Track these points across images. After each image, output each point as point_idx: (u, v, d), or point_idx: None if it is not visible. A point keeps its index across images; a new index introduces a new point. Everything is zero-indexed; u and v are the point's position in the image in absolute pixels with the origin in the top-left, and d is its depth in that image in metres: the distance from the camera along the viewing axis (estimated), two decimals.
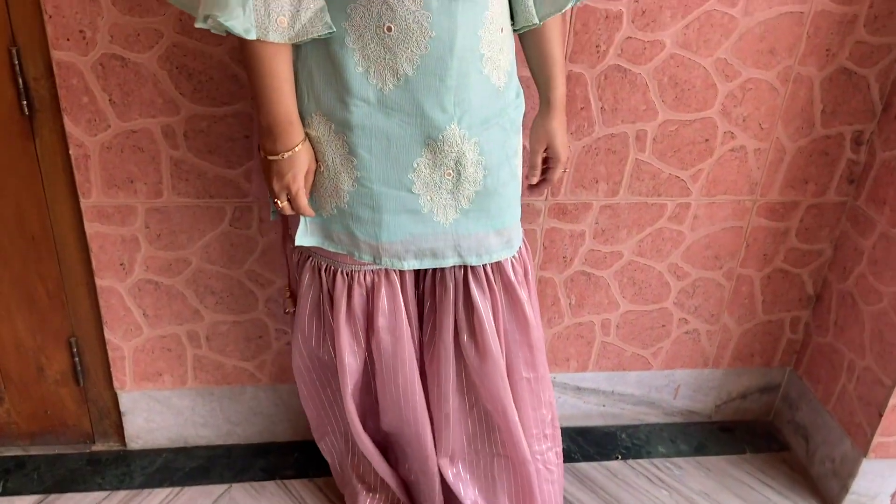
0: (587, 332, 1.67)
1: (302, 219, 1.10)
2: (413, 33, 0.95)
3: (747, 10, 1.33)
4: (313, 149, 1.04)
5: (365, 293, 1.16)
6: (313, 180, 1.06)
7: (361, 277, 1.14)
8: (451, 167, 1.06)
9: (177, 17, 1.21)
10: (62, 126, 1.29)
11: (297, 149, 1.00)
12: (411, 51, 0.96)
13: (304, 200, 1.05)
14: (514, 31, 1.12)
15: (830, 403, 1.65)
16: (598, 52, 1.34)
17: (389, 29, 0.95)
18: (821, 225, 1.61)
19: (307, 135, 1.03)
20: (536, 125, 1.20)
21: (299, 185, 1.03)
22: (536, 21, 1.09)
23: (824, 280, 1.68)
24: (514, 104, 1.11)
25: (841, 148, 1.51)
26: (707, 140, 1.46)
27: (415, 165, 1.04)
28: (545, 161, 1.22)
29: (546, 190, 1.33)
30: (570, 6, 1.09)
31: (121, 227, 1.38)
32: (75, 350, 1.51)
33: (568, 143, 1.25)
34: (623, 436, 1.77)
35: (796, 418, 1.77)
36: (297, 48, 0.99)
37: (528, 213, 1.47)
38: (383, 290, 1.15)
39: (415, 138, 1.02)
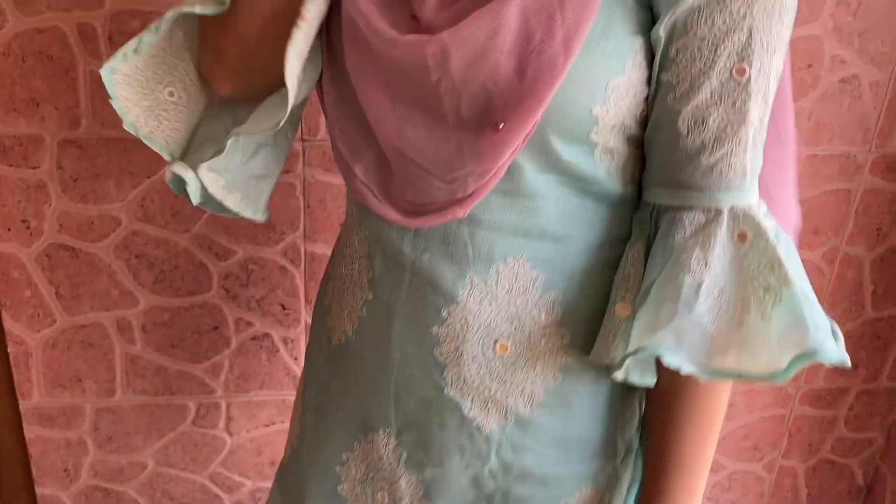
0: None
1: None
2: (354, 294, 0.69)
3: None
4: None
5: None
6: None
7: None
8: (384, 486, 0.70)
9: (138, 202, 1.05)
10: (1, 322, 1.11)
11: None
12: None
13: None
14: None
15: None
16: None
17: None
18: (872, 413, 1.41)
19: None
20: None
21: None
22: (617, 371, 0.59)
23: (876, 470, 1.46)
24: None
25: (894, 332, 1.33)
26: None
27: (343, 458, 0.72)
28: None
29: None
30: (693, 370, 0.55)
31: (66, 431, 1.18)
32: None
33: None
34: None
35: None
36: None
37: None
38: None
39: (345, 439, 0.72)
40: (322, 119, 1.04)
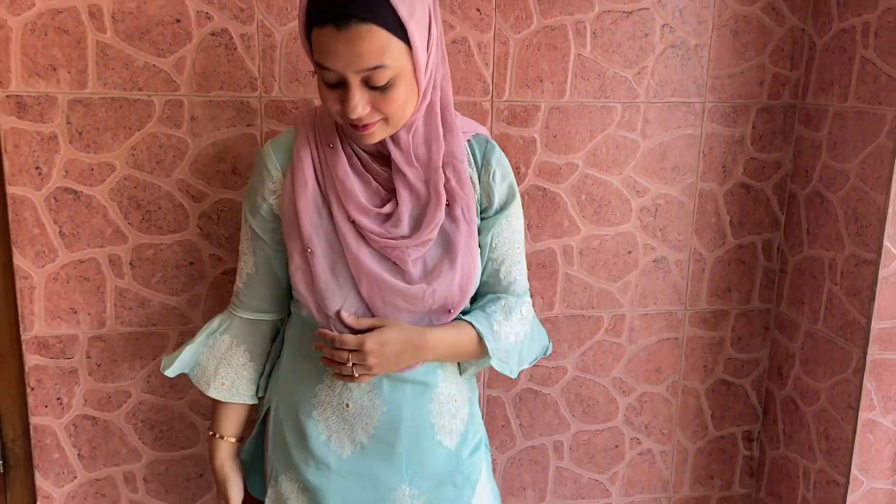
0: (541, 457, 1.64)
1: None
2: (366, 410, 1.09)
3: None
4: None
5: None
6: None
7: None
8: None
9: (129, 152, 1.32)
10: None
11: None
12: (366, 423, 1.09)
13: None
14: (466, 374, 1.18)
15: None
16: (519, 174, 1.48)
17: (347, 406, 1.09)
18: (752, 333, 1.68)
19: (276, 493, 1.15)
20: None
21: None
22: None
23: (767, 391, 1.71)
24: (469, 461, 1.17)
25: (756, 258, 1.63)
26: (630, 252, 1.57)
27: None
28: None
29: None
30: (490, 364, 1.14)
31: (61, 360, 1.38)
32: None
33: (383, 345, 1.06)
34: None
35: None
36: (267, 414, 1.18)
37: None
38: None
39: (369, 499, 1.11)
40: (277, 76, 1.35)
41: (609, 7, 1.44)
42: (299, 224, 1.04)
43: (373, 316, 1.06)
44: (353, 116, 0.95)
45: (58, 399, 1.40)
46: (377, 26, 0.89)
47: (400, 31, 0.91)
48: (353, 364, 1.02)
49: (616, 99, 1.48)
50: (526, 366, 1.18)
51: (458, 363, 1.16)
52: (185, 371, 1.18)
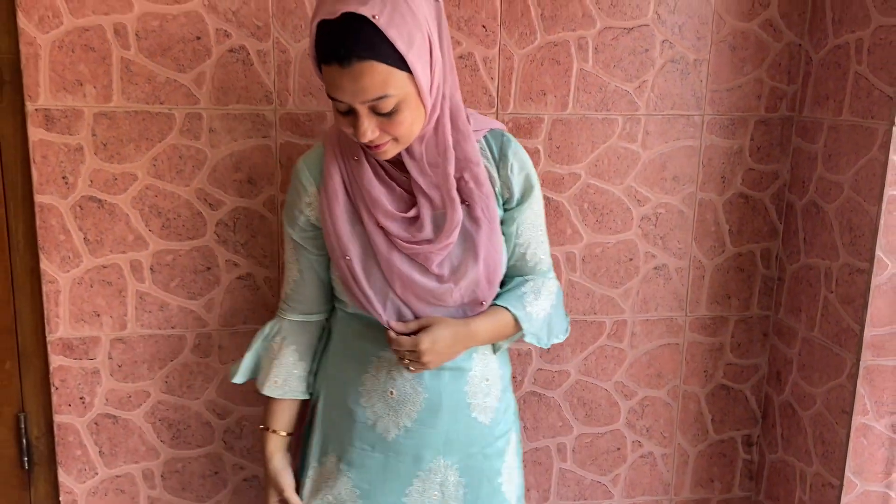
0: (544, 458, 1.69)
1: None
2: (409, 396, 1.19)
3: None
4: (323, 482, 1.25)
5: None
6: None
7: None
8: (436, 490, 1.24)
9: (151, 162, 1.39)
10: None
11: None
12: (409, 408, 1.19)
13: None
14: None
15: None
16: None
17: (391, 393, 1.19)
18: (751, 339, 1.72)
19: (318, 472, 1.26)
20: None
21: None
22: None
23: (766, 396, 1.75)
24: (501, 434, 1.28)
25: (755, 266, 1.67)
26: (631, 259, 1.62)
27: (406, 492, 1.23)
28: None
29: None
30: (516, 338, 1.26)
31: (84, 360, 1.44)
32: None
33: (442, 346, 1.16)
34: None
35: None
36: (316, 404, 1.28)
37: None
38: None
39: (408, 473, 1.22)
40: (291, 90, 1.41)
41: (610, 23, 1.49)
42: (336, 234, 1.15)
43: (412, 312, 1.16)
44: (364, 140, 1.04)
45: (80, 398, 1.46)
46: (377, 62, 0.98)
47: (400, 62, 0.99)
48: (410, 361, 1.14)
49: (617, 111, 1.54)
50: (555, 340, 1.29)
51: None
52: (251, 377, 1.30)
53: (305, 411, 1.31)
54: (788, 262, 1.64)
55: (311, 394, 1.29)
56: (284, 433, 1.28)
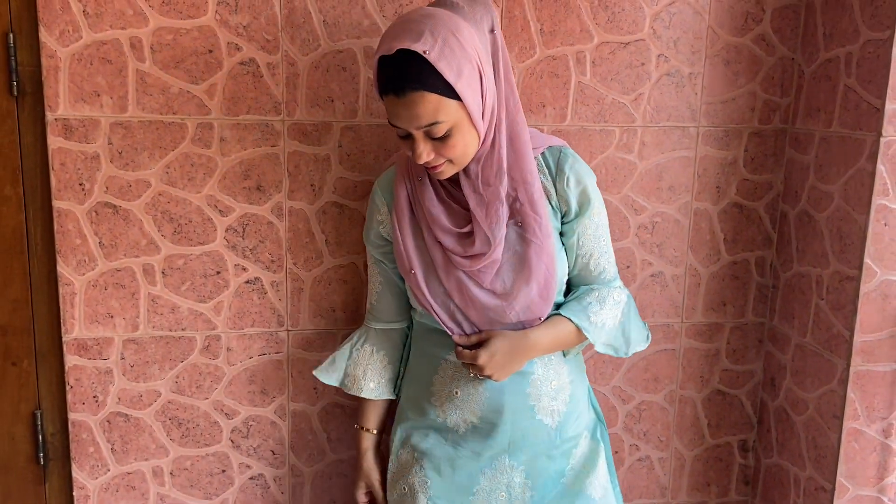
0: None
1: None
2: (472, 396, 1.28)
3: None
4: (400, 474, 1.36)
5: None
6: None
7: None
8: (503, 490, 1.32)
9: (164, 170, 1.45)
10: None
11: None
12: (473, 407, 1.28)
13: None
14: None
15: None
16: None
17: (456, 393, 1.29)
18: (747, 346, 1.76)
19: (397, 465, 1.37)
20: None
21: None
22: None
23: (761, 402, 1.78)
24: (569, 438, 1.33)
25: (749, 274, 1.71)
26: (628, 267, 1.66)
27: (474, 490, 1.31)
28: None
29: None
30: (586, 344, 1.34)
31: (98, 360, 1.50)
32: None
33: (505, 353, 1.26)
34: None
35: None
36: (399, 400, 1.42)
37: None
38: None
39: (476, 469, 1.31)
40: (299, 101, 1.47)
41: (607, 38, 1.54)
42: (403, 248, 1.27)
43: (472, 323, 1.27)
44: (420, 162, 1.16)
45: (94, 397, 1.51)
46: (428, 92, 1.09)
47: (450, 91, 1.10)
48: (473, 373, 1.25)
49: (615, 123, 1.58)
50: (638, 348, 1.37)
51: None
52: (337, 384, 1.43)
53: (393, 411, 1.44)
54: (782, 269, 1.68)
55: (398, 395, 1.42)
56: (376, 431, 1.43)
